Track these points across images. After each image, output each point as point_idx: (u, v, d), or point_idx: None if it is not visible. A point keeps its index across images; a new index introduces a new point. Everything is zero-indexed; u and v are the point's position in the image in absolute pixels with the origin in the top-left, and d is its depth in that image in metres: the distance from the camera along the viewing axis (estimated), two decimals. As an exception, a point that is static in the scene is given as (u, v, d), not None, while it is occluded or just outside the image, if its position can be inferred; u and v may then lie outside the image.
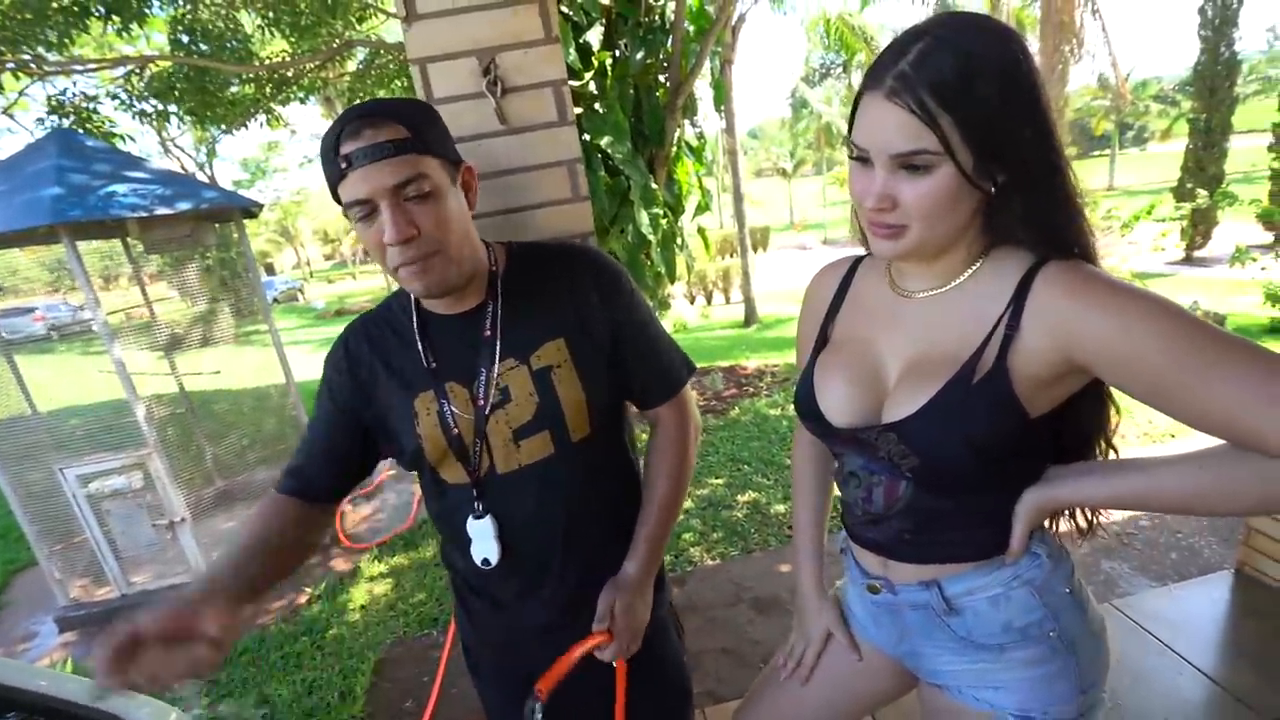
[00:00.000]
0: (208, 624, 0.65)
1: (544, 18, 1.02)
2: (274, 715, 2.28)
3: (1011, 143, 0.63)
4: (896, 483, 0.77)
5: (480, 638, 1.01)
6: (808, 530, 1.00)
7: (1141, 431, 3.63)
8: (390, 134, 0.74)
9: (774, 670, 1.03)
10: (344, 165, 0.74)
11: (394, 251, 0.76)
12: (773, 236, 28.65)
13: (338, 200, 0.78)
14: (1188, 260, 13.30)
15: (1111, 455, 0.80)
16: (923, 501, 0.77)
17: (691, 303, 15.59)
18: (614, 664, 0.94)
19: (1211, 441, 0.63)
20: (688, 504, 3.42)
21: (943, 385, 0.69)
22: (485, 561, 0.89)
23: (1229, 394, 0.58)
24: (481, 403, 0.85)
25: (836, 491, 0.95)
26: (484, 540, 0.88)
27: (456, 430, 0.85)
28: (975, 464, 0.71)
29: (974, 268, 0.72)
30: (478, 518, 0.88)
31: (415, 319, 0.88)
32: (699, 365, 6.95)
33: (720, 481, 3.67)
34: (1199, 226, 13.26)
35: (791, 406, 5.05)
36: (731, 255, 19.07)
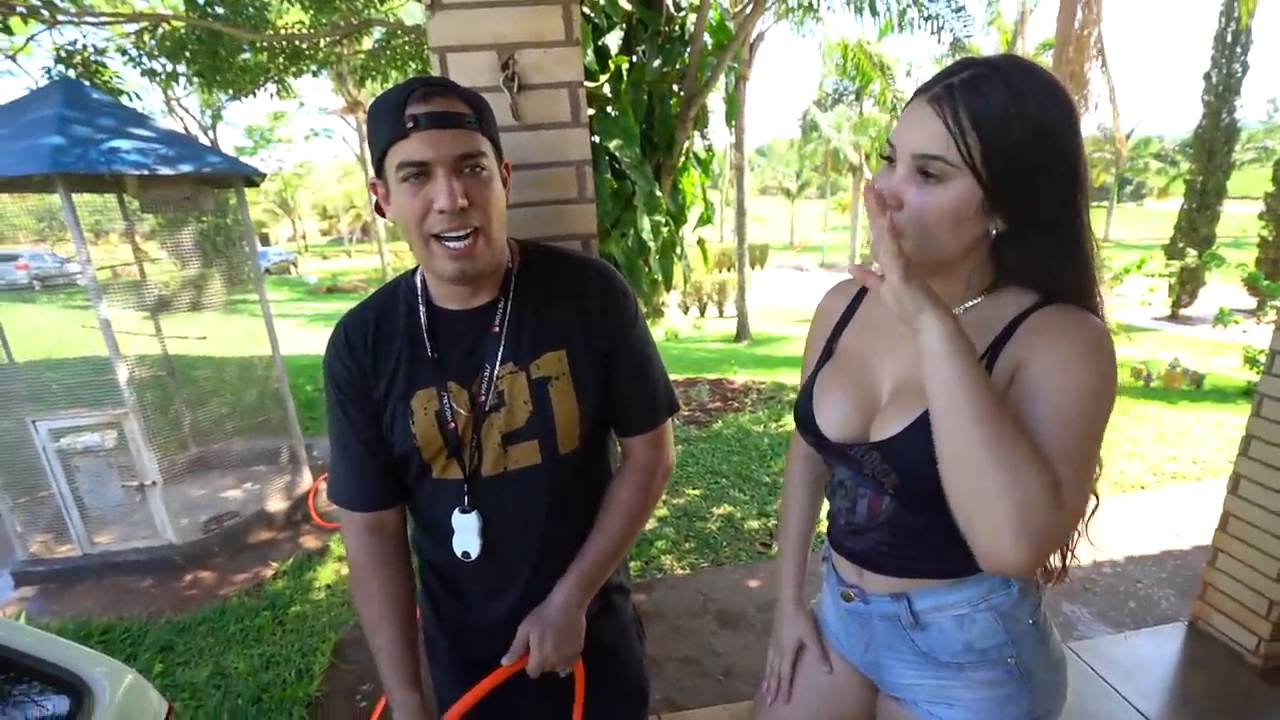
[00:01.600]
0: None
1: (566, 20, 1.04)
2: (228, 687, 2.26)
3: (1030, 188, 0.65)
4: (880, 498, 0.80)
5: (441, 627, 1.02)
6: (794, 542, 1.03)
7: (1112, 480, 3.69)
8: (458, 108, 0.76)
9: (760, 699, 1.05)
10: (410, 124, 0.73)
11: (439, 219, 0.75)
12: (771, 255, 28.82)
13: (380, 161, 0.77)
14: (1173, 317, 13.54)
15: (1092, 502, 0.82)
16: (902, 518, 0.79)
17: (685, 313, 15.64)
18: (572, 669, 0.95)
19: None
20: (662, 512, 3.43)
21: (923, 409, 0.71)
22: (465, 555, 0.89)
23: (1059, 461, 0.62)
24: (483, 400, 0.85)
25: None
26: (467, 534, 0.89)
27: (453, 426, 0.85)
28: None
29: (975, 301, 0.74)
30: (464, 512, 0.88)
31: (424, 308, 0.87)
32: (687, 376, 6.94)
33: (697, 492, 3.69)
34: (1186, 285, 13.51)
35: (773, 424, 5.08)
36: (729, 269, 19.16)
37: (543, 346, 0.86)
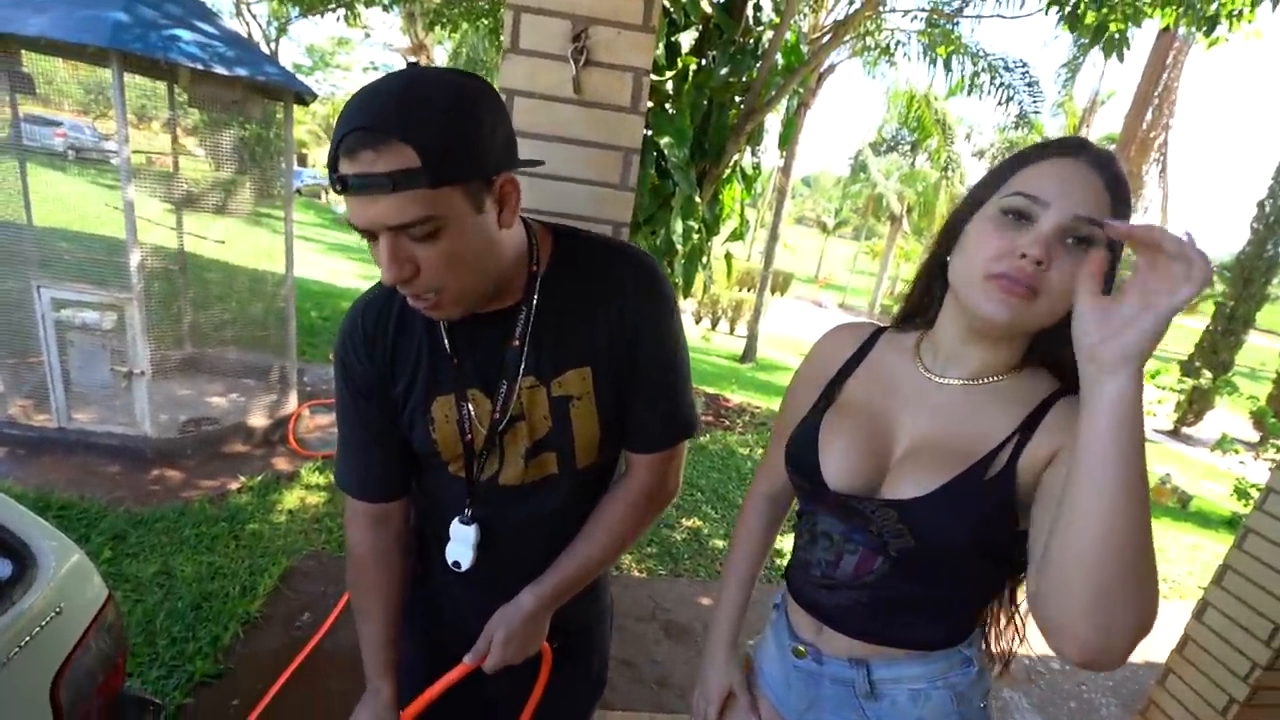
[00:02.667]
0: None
1: (647, 5, 1.03)
2: (171, 587, 2.26)
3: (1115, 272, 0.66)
4: (874, 557, 0.76)
5: (417, 593, 0.99)
6: (738, 583, 0.98)
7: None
8: (393, 163, 0.59)
9: None
10: (338, 186, 0.62)
11: (396, 284, 0.68)
12: (794, 285, 28.78)
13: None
14: (1174, 433, 13.49)
15: None
16: (893, 582, 0.76)
17: (697, 323, 15.62)
18: (559, 645, 0.96)
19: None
20: (633, 512, 3.42)
21: (957, 474, 0.70)
22: (456, 564, 0.87)
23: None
24: (498, 416, 0.81)
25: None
26: (462, 545, 0.86)
27: (470, 438, 0.82)
28: (973, 557, 0.72)
29: (1014, 374, 0.73)
30: (465, 523, 0.86)
31: None
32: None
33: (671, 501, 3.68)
34: (1194, 405, 13.46)
35: (760, 449, 5.06)
36: (749, 289, 19.15)
37: (567, 363, 0.80)
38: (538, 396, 0.81)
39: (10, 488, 2.70)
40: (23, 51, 2.80)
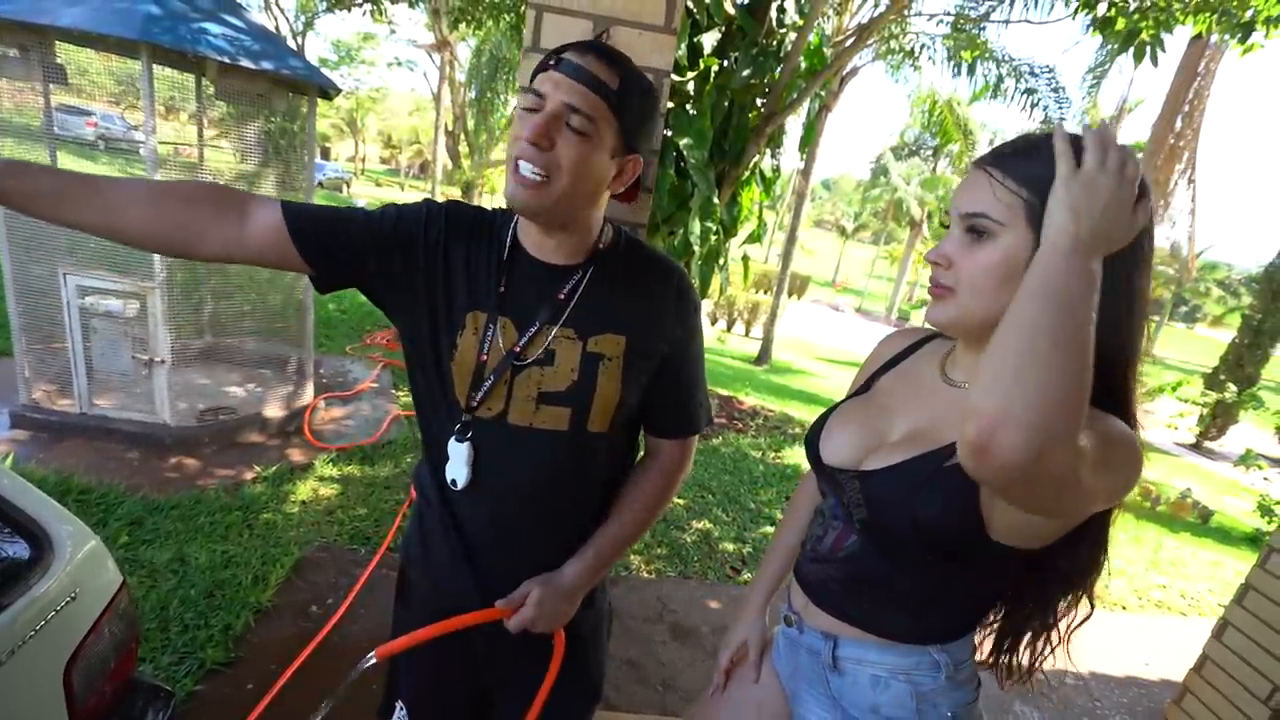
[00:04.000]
0: None
1: (669, 6, 1.02)
2: (185, 574, 2.29)
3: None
4: (848, 532, 0.82)
5: (427, 560, 1.00)
6: (780, 552, 1.05)
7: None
8: (604, 72, 0.78)
9: (705, 695, 1.07)
10: (552, 62, 0.78)
11: (520, 145, 0.78)
12: (811, 288, 28.61)
13: (526, 86, 0.81)
14: (1196, 447, 13.23)
15: (1085, 606, 0.81)
16: (862, 560, 0.80)
17: (713, 324, 15.59)
18: (553, 641, 0.97)
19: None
20: (642, 512, 3.41)
21: (917, 454, 0.73)
22: (453, 482, 0.90)
23: None
24: (517, 350, 0.86)
25: None
26: (457, 463, 0.89)
27: (485, 360, 0.86)
28: (915, 540, 0.73)
29: None
30: (459, 441, 0.88)
31: (509, 242, 0.88)
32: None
33: (681, 502, 3.67)
34: (1218, 419, 13.18)
35: (772, 453, 5.05)
36: (766, 291, 19.06)
37: (607, 326, 0.88)
38: (571, 349, 0.86)
39: (32, 471, 2.76)
40: (56, 42, 2.86)
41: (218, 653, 1.97)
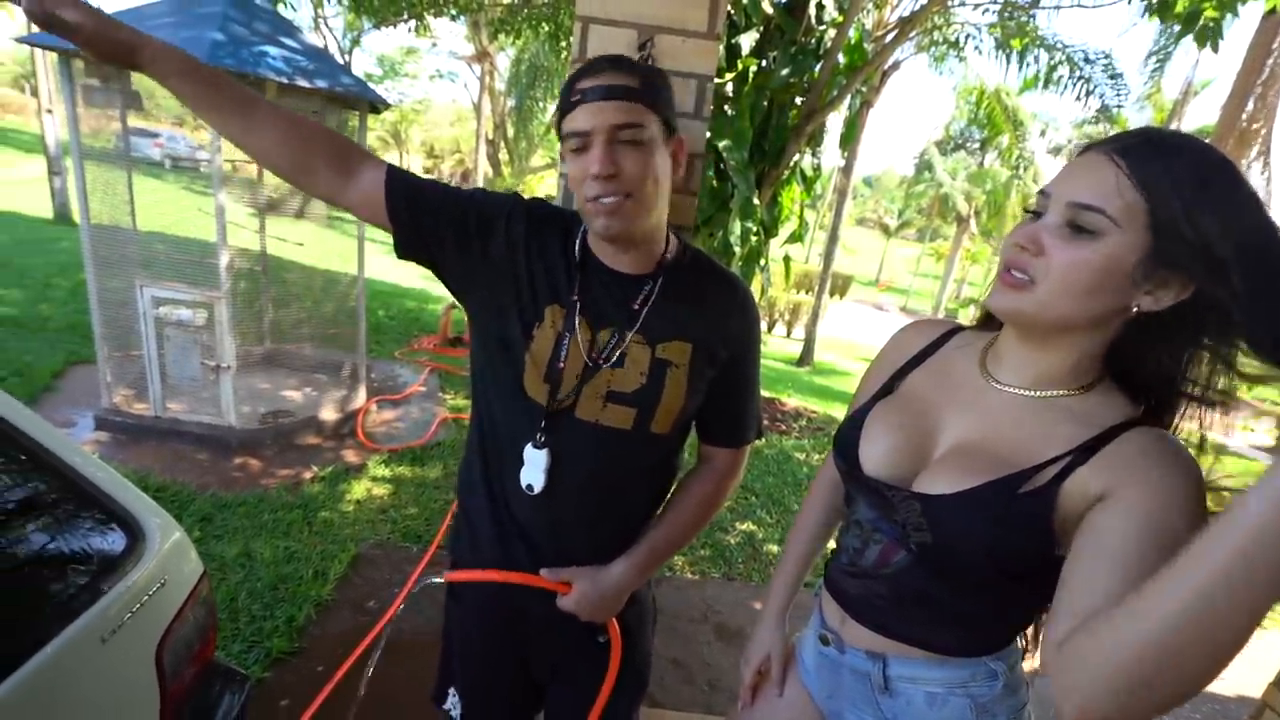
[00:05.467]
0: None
1: (711, 13, 1.04)
2: (251, 569, 2.42)
3: (1206, 271, 0.60)
4: (896, 549, 0.77)
5: (480, 561, 1.01)
6: (795, 559, 1.02)
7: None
8: (624, 80, 0.80)
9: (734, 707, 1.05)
10: (576, 99, 0.81)
11: (593, 185, 0.80)
12: (853, 288, 28.08)
13: (559, 133, 0.84)
14: (1275, 450, 12.46)
15: None
16: (912, 577, 0.76)
17: (752, 324, 15.43)
18: (608, 639, 1.00)
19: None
20: (686, 513, 3.43)
21: (988, 480, 0.68)
22: (529, 487, 0.91)
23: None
24: (601, 359, 0.89)
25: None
26: (535, 469, 0.91)
27: (563, 366, 0.88)
28: (985, 570, 0.70)
29: (1082, 393, 0.69)
30: (537, 447, 0.90)
31: (579, 252, 0.90)
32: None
33: (725, 505, 3.67)
34: (1299, 419, 12.37)
35: (816, 454, 4.98)
36: (808, 291, 18.79)
37: (675, 334, 0.90)
38: (642, 354, 0.90)
39: (115, 470, 2.94)
40: (132, 72, 3.05)
41: (283, 642, 2.07)
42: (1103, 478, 0.63)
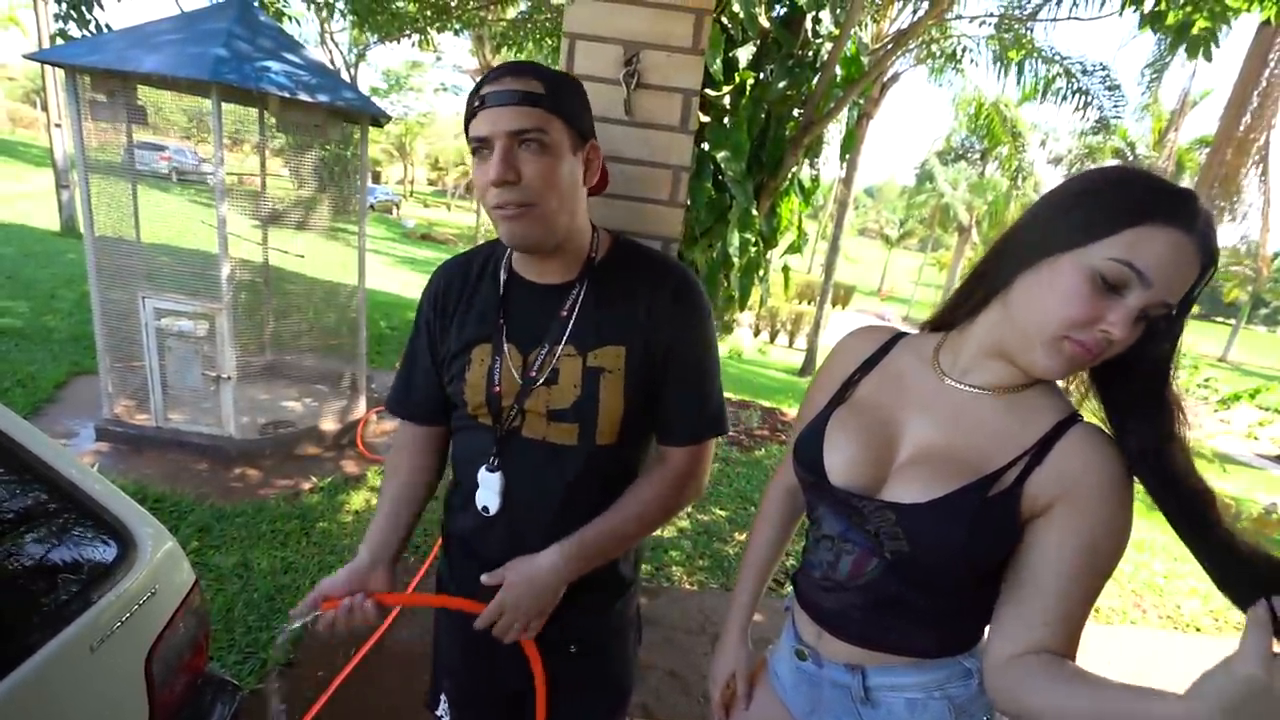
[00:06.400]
0: (378, 583, 0.95)
1: (696, 28, 1.06)
2: (249, 579, 2.42)
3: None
4: (869, 557, 0.77)
5: (453, 573, 1.06)
6: (753, 573, 1.01)
7: (1165, 615, 3.41)
8: (526, 86, 0.79)
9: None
10: (477, 104, 0.80)
11: (494, 193, 0.80)
12: (855, 298, 28.10)
13: (468, 139, 0.84)
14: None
15: None
16: (886, 584, 0.76)
17: (755, 335, 15.47)
18: (579, 648, 0.99)
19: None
20: (684, 523, 3.42)
21: (961, 487, 0.70)
22: (485, 509, 0.93)
23: (1067, 608, 0.68)
24: (533, 374, 0.89)
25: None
26: (489, 491, 0.93)
27: (498, 390, 0.90)
28: (962, 573, 0.72)
29: (1019, 392, 0.74)
30: (490, 470, 0.92)
31: (504, 274, 0.93)
32: (742, 398, 6.84)
33: (723, 514, 3.66)
34: (1304, 428, 12.28)
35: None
36: (810, 302, 18.82)
37: (606, 339, 0.89)
38: (573, 365, 0.89)
39: (114, 480, 2.96)
40: (138, 86, 3.11)
41: (279, 654, 2.07)
42: (1053, 485, 0.69)
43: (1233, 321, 36.55)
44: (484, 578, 0.93)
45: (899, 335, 0.87)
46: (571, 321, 0.89)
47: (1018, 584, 0.70)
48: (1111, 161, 21.34)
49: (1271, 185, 9.66)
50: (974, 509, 0.69)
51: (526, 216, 0.81)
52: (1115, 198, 0.63)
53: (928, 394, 0.78)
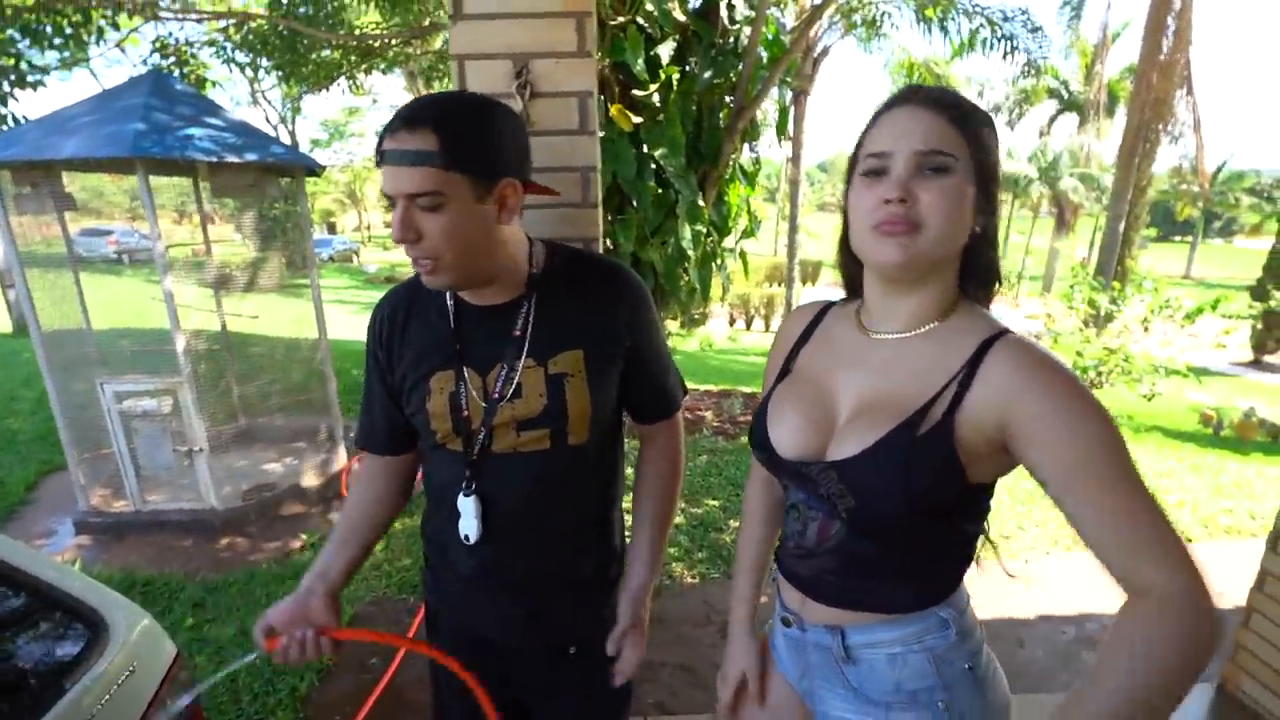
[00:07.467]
0: (317, 617, 0.91)
1: (579, 33, 1.08)
2: (249, 647, 2.38)
3: (995, 190, 0.73)
4: (831, 521, 0.79)
5: (442, 600, 1.07)
6: (747, 566, 1.01)
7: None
8: (419, 143, 0.76)
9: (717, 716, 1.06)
10: (379, 159, 0.80)
11: (403, 247, 0.82)
12: (824, 272, 28.35)
13: None
14: (1256, 363, 12.67)
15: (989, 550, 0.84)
16: (852, 544, 0.78)
17: (731, 324, 15.55)
18: (579, 648, 1.02)
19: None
20: (679, 519, 3.43)
21: (888, 431, 0.71)
22: (466, 538, 0.94)
23: (1129, 511, 0.63)
24: (496, 396, 0.90)
25: None
26: (468, 518, 0.93)
27: (466, 414, 0.91)
28: (908, 515, 0.72)
29: (941, 321, 0.75)
30: (465, 495, 0.93)
31: (451, 300, 0.93)
32: (722, 387, 6.85)
33: (716, 504, 3.68)
34: (1273, 330, 12.62)
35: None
36: (779, 283, 18.97)
37: (562, 345, 0.91)
38: (535, 376, 0.90)
39: (100, 571, 2.91)
40: (64, 173, 3.07)
41: (287, 715, 2.05)
42: (991, 406, 0.68)
43: (1190, 239, 37.41)
44: (610, 647, 1.02)
45: (829, 306, 0.90)
46: (526, 339, 0.90)
47: (1072, 524, 0.66)
48: (1048, 103, 21.84)
49: (1198, 101, 9.95)
50: (905, 449, 0.70)
51: (438, 269, 0.82)
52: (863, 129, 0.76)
53: (858, 351, 0.80)
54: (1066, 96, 20.62)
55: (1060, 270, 19.88)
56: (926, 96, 0.71)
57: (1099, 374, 7.17)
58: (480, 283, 0.89)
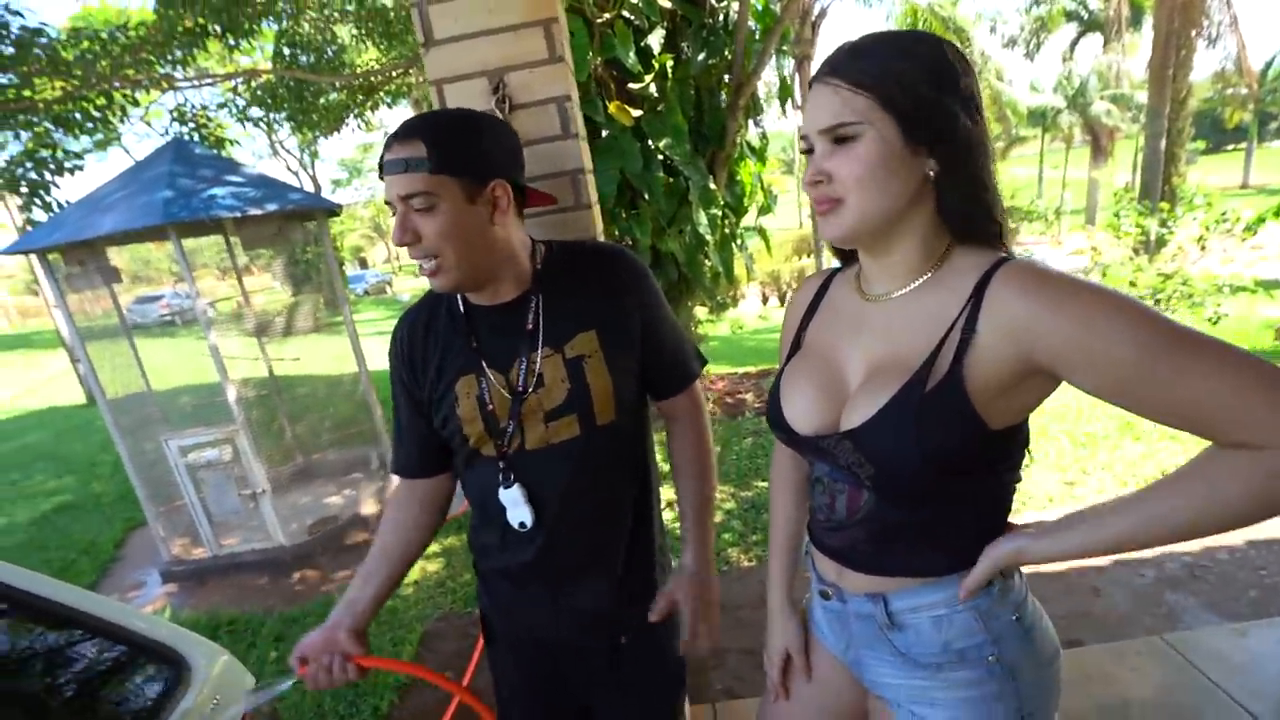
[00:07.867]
0: (346, 645, 0.95)
1: (549, 40, 1.09)
2: (329, 673, 2.50)
3: (942, 116, 0.68)
4: (859, 492, 0.78)
5: (495, 606, 1.10)
6: (781, 545, 1.01)
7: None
8: (409, 152, 0.84)
9: (765, 699, 1.06)
10: (380, 173, 0.88)
11: (405, 250, 0.88)
12: (853, 236, 27.72)
13: None
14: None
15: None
16: (882, 512, 0.77)
17: (765, 302, 15.36)
18: (631, 638, 1.04)
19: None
20: (730, 505, 3.43)
21: (895, 392, 0.70)
22: (522, 525, 0.96)
23: (1213, 389, 0.58)
24: (521, 389, 0.93)
25: None
26: (517, 507, 0.95)
27: (492, 408, 0.93)
28: (930, 474, 0.70)
29: (933, 271, 0.72)
30: (506, 487, 0.95)
31: (462, 306, 0.97)
32: (761, 368, 6.77)
33: (765, 485, 3.66)
34: (1345, 230, 11.73)
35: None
36: (809, 255, 18.65)
37: (575, 329, 0.94)
38: (554, 364, 0.93)
39: (187, 616, 3.09)
40: (107, 249, 3.26)
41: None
42: (1007, 342, 0.65)
43: (1244, 146, 35.13)
44: (651, 616, 1.01)
45: (833, 274, 0.88)
46: (540, 330, 0.93)
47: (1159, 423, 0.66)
48: (1066, 27, 20.80)
49: (1235, 2, 9.32)
50: (914, 407, 0.68)
51: (440, 271, 0.87)
52: None
53: (860, 317, 0.78)
54: (1086, 17, 19.62)
55: (1103, 200, 18.95)
56: (831, 68, 0.70)
57: (1156, 302, 6.80)
58: (484, 281, 0.92)
